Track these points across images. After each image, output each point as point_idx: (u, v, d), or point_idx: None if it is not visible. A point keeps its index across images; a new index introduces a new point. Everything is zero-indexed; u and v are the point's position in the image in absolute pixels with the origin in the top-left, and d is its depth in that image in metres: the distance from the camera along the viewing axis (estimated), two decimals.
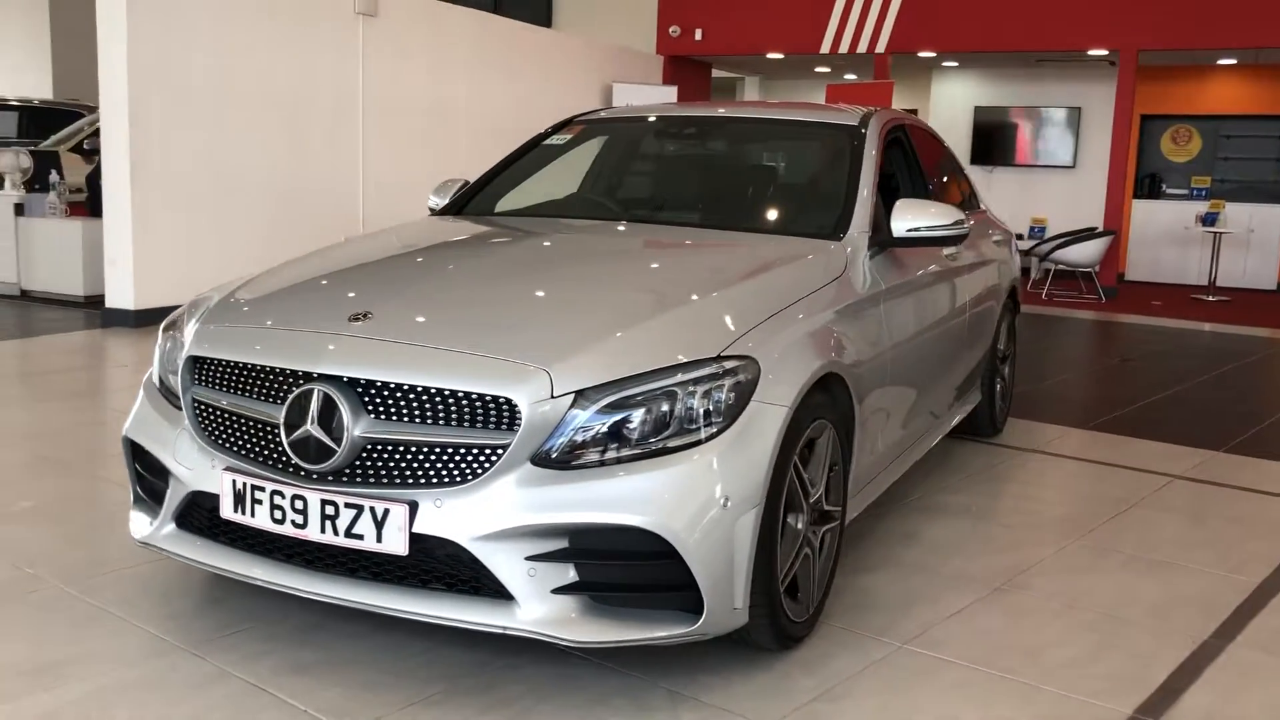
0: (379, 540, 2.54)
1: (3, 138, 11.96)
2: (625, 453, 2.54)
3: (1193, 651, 3.11)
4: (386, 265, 3.44)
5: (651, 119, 4.67)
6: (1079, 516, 4.31)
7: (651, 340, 2.70)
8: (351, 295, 3.03)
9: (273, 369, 2.71)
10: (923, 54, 13.77)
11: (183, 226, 8.28)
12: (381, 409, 2.56)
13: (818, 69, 16.39)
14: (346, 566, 2.65)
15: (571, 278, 3.26)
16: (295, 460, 2.61)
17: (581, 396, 2.54)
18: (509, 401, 2.51)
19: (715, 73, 16.73)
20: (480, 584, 2.55)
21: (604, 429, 2.54)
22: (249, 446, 2.73)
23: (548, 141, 4.50)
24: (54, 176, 9.32)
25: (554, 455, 2.52)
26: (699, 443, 2.57)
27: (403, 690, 2.67)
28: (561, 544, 2.52)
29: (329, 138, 9.48)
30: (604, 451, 2.53)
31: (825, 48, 13.66)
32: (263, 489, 2.66)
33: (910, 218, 3.70)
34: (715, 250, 3.61)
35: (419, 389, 2.54)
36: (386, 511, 2.52)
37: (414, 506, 2.52)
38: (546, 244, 3.73)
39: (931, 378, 4.13)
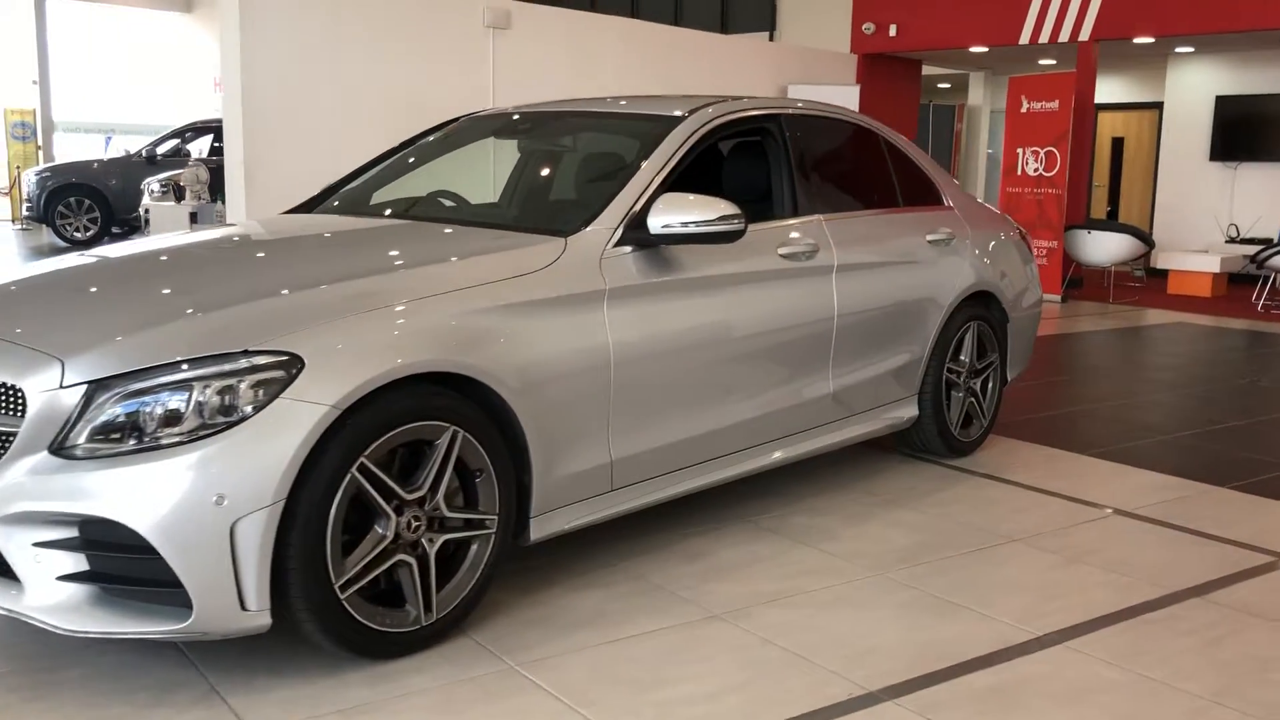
0: None
1: (201, 156, 13.39)
2: (128, 446, 2.57)
3: (835, 703, 2.72)
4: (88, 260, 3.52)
5: (495, 117, 4.59)
6: (928, 547, 3.84)
7: (191, 333, 2.71)
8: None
9: None
10: (1139, 40, 12.49)
11: None
12: None
13: (1041, 60, 15.25)
14: None
15: (221, 274, 3.28)
16: None
17: (99, 387, 2.60)
18: (16, 389, 2.61)
19: (930, 70, 15.96)
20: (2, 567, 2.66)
21: (115, 420, 2.58)
22: None
23: (427, 139, 4.54)
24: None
25: (66, 445, 2.59)
26: (199, 438, 2.55)
27: None
28: (72, 533, 2.59)
29: None
30: (110, 443, 2.57)
31: (1024, 38, 12.70)
32: None
33: (668, 214, 3.46)
34: (408, 245, 3.51)
35: None
36: None
37: None
38: (258, 241, 3.78)
39: (744, 387, 3.81)
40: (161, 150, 15.53)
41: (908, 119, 14.88)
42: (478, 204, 4.27)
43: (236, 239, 3.79)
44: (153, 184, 12.71)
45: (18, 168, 19.23)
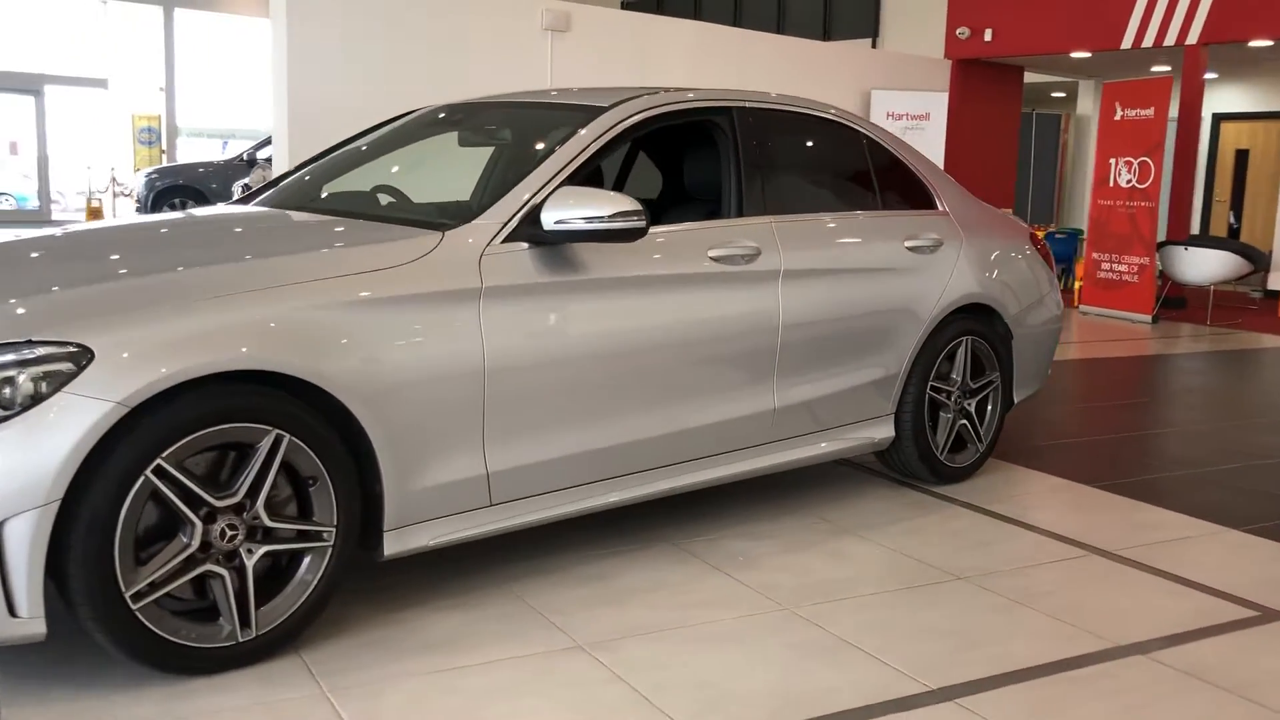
0: None
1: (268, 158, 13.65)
2: None
3: None
4: None
5: (435, 111, 4.39)
6: (858, 581, 3.48)
7: None
8: None
9: None
10: (1256, 43, 11.64)
11: None
12: None
13: (1154, 67, 14.40)
14: None
15: (47, 266, 3.13)
16: None
17: None
18: None
19: (1039, 78, 15.24)
20: None
21: None
22: None
23: (377, 133, 4.38)
24: None
25: None
26: None
27: None
28: None
29: None
30: None
31: (1127, 42, 11.98)
32: None
33: (561, 209, 3.22)
34: (272, 237, 3.36)
35: None
36: None
37: None
38: (115, 231, 3.63)
39: (660, 400, 3.52)
40: (261, 154, 15.94)
41: (1007, 128, 14.23)
42: (393, 200, 4.08)
43: (98, 230, 3.65)
44: (240, 186, 13.02)
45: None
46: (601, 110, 3.65)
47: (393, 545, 3.01)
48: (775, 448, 3.95)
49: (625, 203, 3.23)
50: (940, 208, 4.63)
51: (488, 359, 3.09)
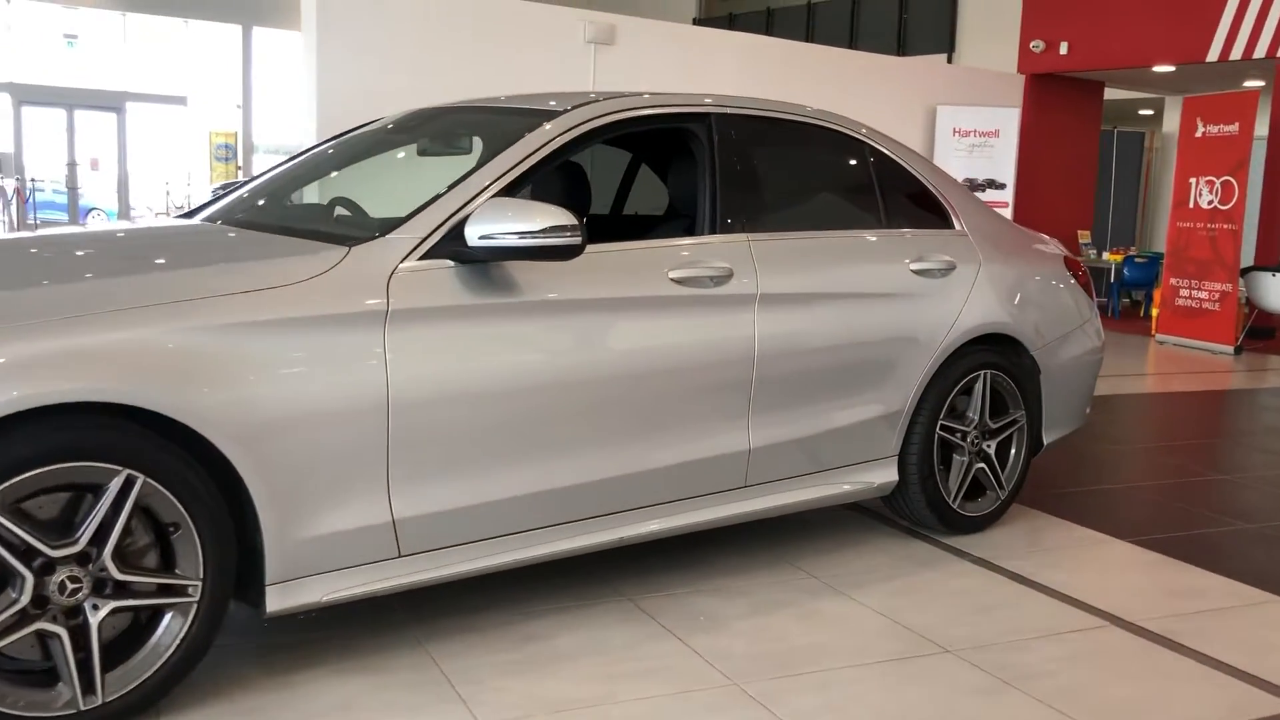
0: None
1: None
2: None
3: None
4: None
5: (404, 116, 4.06)
6: (825, 652, 3.04)
7: None
8: None
9: None
10: None
11: None
12: None
13: (1247, 82, 13.58)
14: None
15: None
16: None
17: None
18: None
19: (1123, 94, 14.51)
20: None
21: None
22: None
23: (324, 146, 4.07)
24: None
25: None
26: None
27: None
28: None
29: None
30: None
31: (1213, 55, 11.26)
32: None
33: (488, 223, 2.86)
34: (157, 253, 3.05)
35: None
36: None
37: None
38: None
39: (606, 439, 3.13)
40: None
41: (1085, 146, 13.55)
42: (347, 214, 3.75)
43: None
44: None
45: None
46: (548, 116, 3.29)
47: (277, 601, 2.66)
48: (750, 494, 3.53)
49: (558, 216, 2.86)
50: (957, 227, 4.16)
51: (393, 391, 2.74)
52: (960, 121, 11.95)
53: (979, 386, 4.08)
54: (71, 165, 20.64)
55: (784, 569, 3.68)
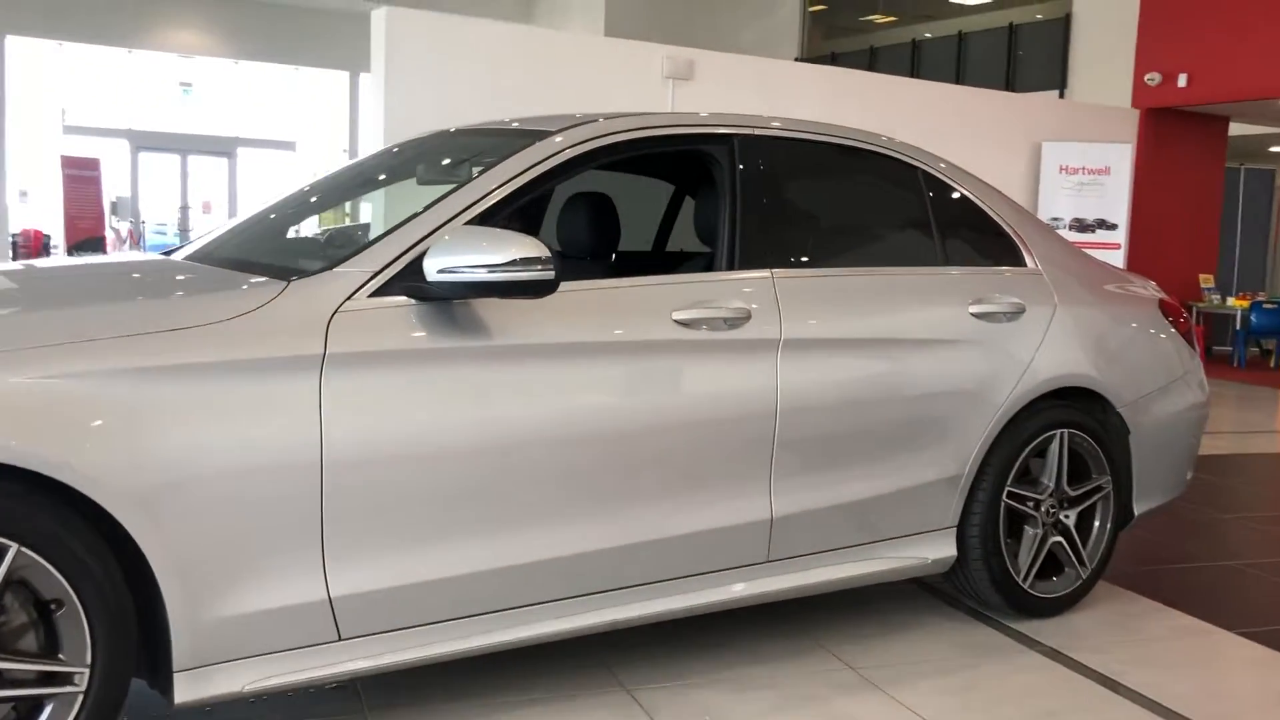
0: None
1: None
2: None
3: None
4: None
5: (408, 143, 3.73)
6: None
7: None
8: None
9: None
10: None
11: None
12: None
13: None
14: None
15: None
16: None
17: None
18: None
19: (1244, 129, 13.59)
20: None
21: None
22: None
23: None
24: None
25: None
26: None
27: None
28: None
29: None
30: None
31: None
32: None
33: (450, 254, 2.49)
34: (75, 289, 2.73)
35: None
36: None
37: None
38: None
39: (593, 505, 2.70)
40: None
41: (1208, 184, 12.68)
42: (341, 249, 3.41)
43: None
44: None
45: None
46: (537, 137, 2.90)
47: (187, 690, 2.29)
48: (774, 570, 3.05)
49: (526, 247, 2.47)
50: (1029, 264, 3.64)
51: (329, 448, 2.36)
52: (1067, 158, 11.25)
53: (1054, 448, 3.53)
54: (184, 208, 21.19)
55: (815, 656, 3.18)
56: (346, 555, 2.41)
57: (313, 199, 3.59)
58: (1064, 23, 14.90)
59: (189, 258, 3.19)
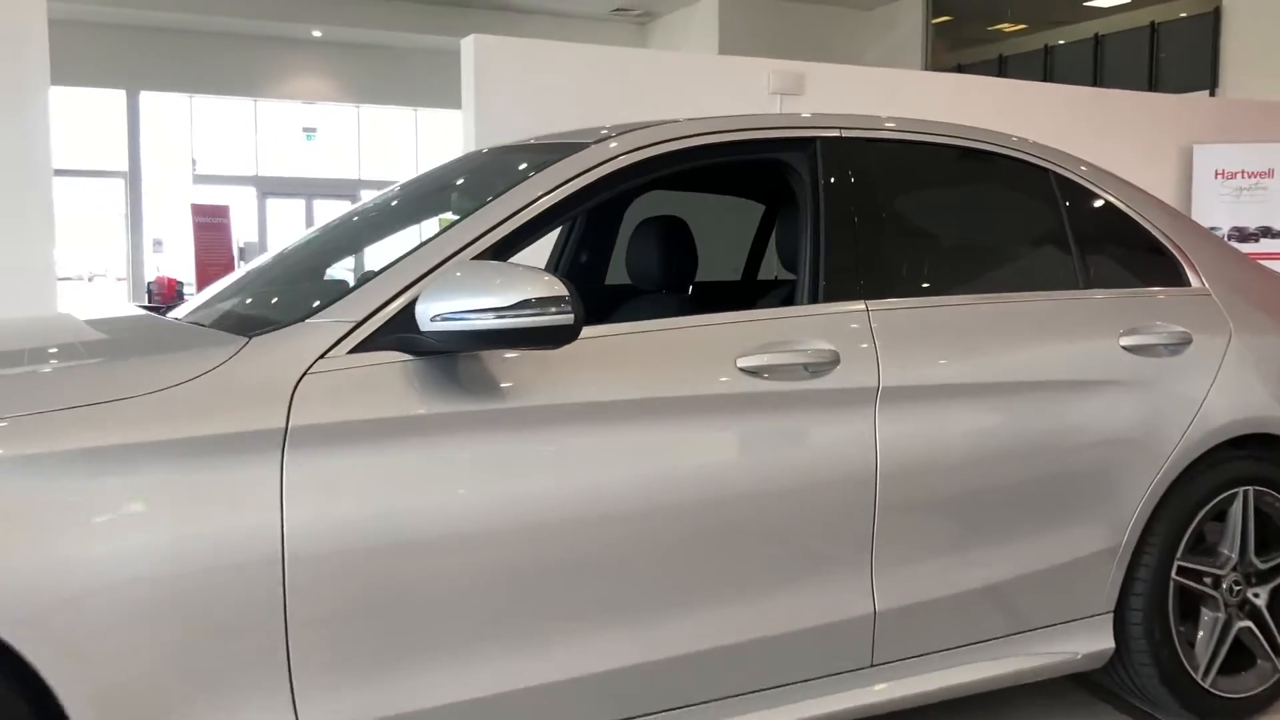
0: None
1: None
2: None
3: None
4: None
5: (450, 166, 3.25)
6: None
7: None
8: None
9: None
10: None
11: None
12: None
13: None
14: None
15: None
16: None
17: None
18: None
19: None
20: None
21: None
22: None
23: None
24: None
25: None
26: None
27: None
28: None
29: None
30: None
31: None
32: None
33: (443, 298, 1.98)
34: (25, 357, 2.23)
35: None
36: None
37: None
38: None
39: (643, 602, 2.15)
40: None
41: None
42: None
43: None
44: None
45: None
46: (574, 149, 2.38)
47: None
48: (881, 676, 2.45)
49: (540, 286, 1.95)
50: (1195, 284, 2.95)
51: (291, 543, 1.87)
52: (1223, 162, 10.26)
53: (1236, 509, 2.84)
54: None
55: None
56: (318, 676, 1.92)
57: (336, 238, 3.14)
58: (1213, 17, 13.83)
59: (192, 312, 2.76)
